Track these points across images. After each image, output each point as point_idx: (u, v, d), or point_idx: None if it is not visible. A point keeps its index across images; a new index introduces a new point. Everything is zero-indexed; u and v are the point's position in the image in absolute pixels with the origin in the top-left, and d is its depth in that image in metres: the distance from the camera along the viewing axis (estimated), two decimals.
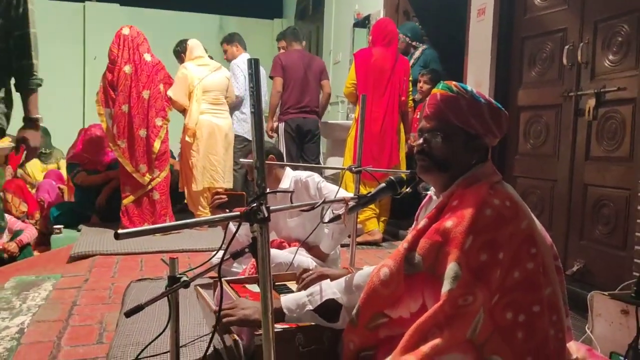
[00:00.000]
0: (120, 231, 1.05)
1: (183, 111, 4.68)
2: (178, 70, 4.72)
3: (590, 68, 3.09)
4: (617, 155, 2.89)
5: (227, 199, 2.50)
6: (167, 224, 1.27)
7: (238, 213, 1.26)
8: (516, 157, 3.73)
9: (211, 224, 3.96)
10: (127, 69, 4.30)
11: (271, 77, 5.11)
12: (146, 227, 1.16)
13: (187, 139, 4.59)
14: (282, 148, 5.01)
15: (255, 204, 1.21)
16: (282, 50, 5.40)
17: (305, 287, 1.82)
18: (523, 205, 1.53)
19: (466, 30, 4.16)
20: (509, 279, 1.44)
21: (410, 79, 4.60)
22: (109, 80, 4.34)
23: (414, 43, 4.92)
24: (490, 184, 1.52)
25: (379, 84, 4.34)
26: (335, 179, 5.53)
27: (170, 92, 4.52)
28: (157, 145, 4.37)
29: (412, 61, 4.87)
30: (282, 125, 5.09)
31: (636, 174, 2.64)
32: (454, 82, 1.58)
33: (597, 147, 3.04)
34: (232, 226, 2.82)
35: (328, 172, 5.91)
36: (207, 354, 1.86)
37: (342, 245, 3.12)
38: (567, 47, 3.21)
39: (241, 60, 5.39)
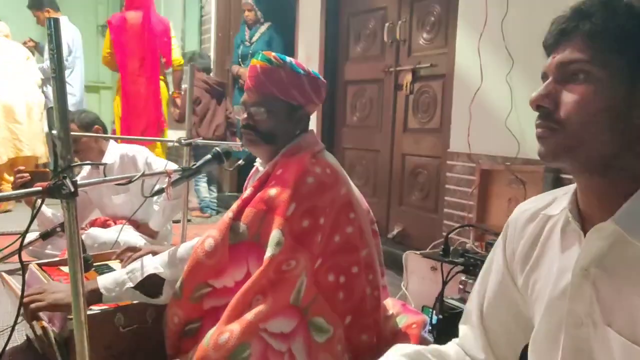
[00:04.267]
0: None
1: None
2: None
3: (408, 45, 3.32)
4: (430, 127, 3.16)
5: (30, 177, 2.28)
6: None
7: (39, 188, 1.13)
8: (344, 129, 3.91)
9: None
10: None
11: None
12: None
13: None
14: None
15: (59, 178, 1.10)
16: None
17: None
18: (342, 173, 1.60)
19: (296, 6, 4.22)
20: (330, 243, 1.51)
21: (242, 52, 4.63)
22: None
23: (262, 18, 4.88)
24: (313, 153, 1.57)
25: (135, 49, 4.27)
26: (171, 153, 5.35)
27: None
28: None
29: (257, 35, 4.84)
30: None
31: (445, 144, 2.92)
32: (272, 54, 1.58)
33: (413, 119, 3.30)
34: (44, 207, 2.58)
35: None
36: (18, 344, 1.69)
37: (174, 221, 3.03)
38: (387, 24, 3.41)
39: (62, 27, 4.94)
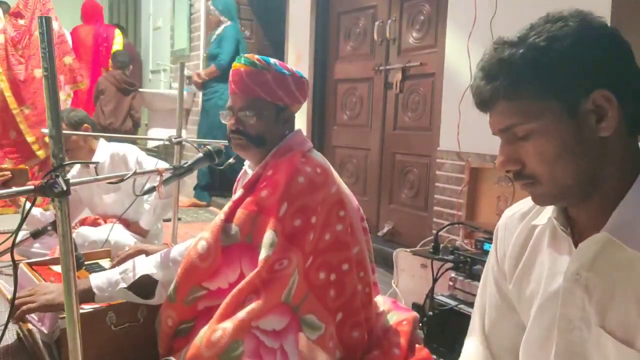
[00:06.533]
0: None
1: None
2: None
3: (398, 44, 3.33)
4: (419, 125, 3.18)
5: (10, 175, 2.28)
6: None
7: (31, 187, 1.13)
8: (334, 127, 3.92)
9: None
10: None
11: None
12: None
13: None
14: None
15: (50, 177, 1.10)
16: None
17: (120, 264, 1.74)
18: (332, 171, 1.61)
19: (286, 4, 4.22)
20: (321, 241, 1.52)
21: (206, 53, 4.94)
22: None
23: (222, 18, 4.83)
24: (302, 153, 1.58)
25: (82, 57, 5.18)
26: (159, 152, 5.35)
27: None
28: None
29: (214, 37, 4.83)
30: None
31: (434, 142, 2.94)
32: (256, 56, 1.57)
33: (403, 117, 3.31)
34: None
35: (151, 144, 5.68)
36: (10, 343, 1.70)
37: (165, 220, 3.03)
38: (377, 23, 3.43)
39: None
